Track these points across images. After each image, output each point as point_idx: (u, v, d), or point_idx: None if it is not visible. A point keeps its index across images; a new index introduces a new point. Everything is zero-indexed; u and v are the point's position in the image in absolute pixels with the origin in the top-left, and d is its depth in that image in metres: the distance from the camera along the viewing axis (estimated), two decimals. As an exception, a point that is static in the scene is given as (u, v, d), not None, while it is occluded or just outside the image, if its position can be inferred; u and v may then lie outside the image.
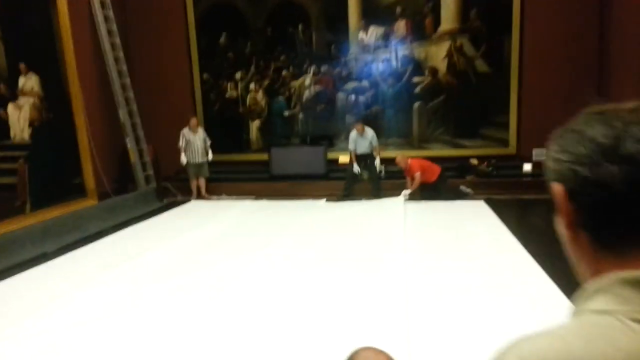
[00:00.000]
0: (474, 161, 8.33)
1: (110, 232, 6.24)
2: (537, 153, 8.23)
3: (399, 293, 3.67)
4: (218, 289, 4.00)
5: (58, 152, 7.08)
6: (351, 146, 7.70)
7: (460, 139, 8.70)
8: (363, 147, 7.70)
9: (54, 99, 7.05)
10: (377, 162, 7.75)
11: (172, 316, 3.52)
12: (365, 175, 8.34)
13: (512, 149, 8.50)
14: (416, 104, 8.75)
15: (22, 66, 6.58)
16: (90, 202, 7.36)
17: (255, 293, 3.87)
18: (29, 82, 6.72)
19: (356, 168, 7.67)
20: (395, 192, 7.74)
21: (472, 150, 8.58)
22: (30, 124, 6.65)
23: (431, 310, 3.38)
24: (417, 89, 8.72)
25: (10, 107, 6.39)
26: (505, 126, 8.49)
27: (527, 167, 8.10)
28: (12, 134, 6.37)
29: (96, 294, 4.01)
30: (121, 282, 4.26)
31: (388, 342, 2.80)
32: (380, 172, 8.40)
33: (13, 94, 6.42)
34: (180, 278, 4.32)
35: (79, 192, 7.36)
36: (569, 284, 3.74)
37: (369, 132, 7.70)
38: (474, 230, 5.56)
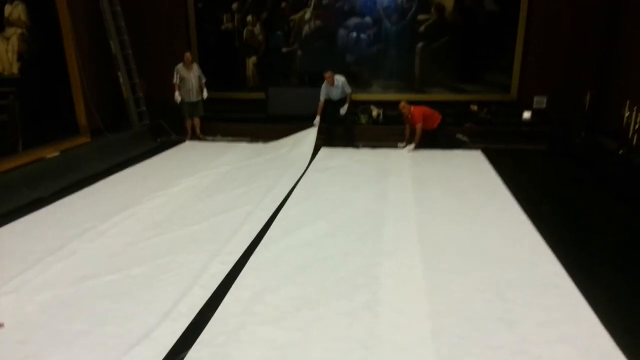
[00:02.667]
0: (474, 107, 8.20)
1: (106, 175, 6.18)
2: (538, 100, 8.12)
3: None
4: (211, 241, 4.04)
5: (49, 87, 6.84)
6: (322, 97, 7.70)
7: (461, 84, 8.49)
8: (335, 96, 7.75)
9: (42, 30, 6.70)
10: (344, 107, 7.74)
11: (170, 268, 3.59)
12: (364, 119, 8.25)
13: (513, 95, 8.33)
14: (419, 44, 8.44)
15: (7, -7, 6.18)
16: (83, 140, 7.23)
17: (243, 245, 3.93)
18: (15, 10, 6.33)
19: (317, 120, 7.70)
20: (393, 138, 7.70)
21: (472, 96, 8.41)
22: (19, 57, 6.36)
23: (417, 271, 3.45)
24: (422, 28, 8.37)
25: (-3, 39, 6.08)
26: (509, 71, 8.27)
27: (527, 114, 8.01)
28: (0, 68, 6.10)
29: (95, 245, 4.04)
30: (119, 233, 4.28)
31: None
32: (379, 116, 8.30)
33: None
34: (177, 229, 4.35)
35: (72, 129, 7.20)
36: (558, 242, 3.85)
37: (340, 80, 7.68)
38: (468, 185, 5.57)
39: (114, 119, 8.25)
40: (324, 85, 7.63)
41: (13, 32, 6.28)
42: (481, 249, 3.87)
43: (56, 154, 6.44)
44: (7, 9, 6.19)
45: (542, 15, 7.83)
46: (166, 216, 4.71)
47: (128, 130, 7.94)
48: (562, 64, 7.90)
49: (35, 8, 6.56)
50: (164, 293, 3.27)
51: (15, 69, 6.29)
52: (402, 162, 6.58)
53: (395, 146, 7.50)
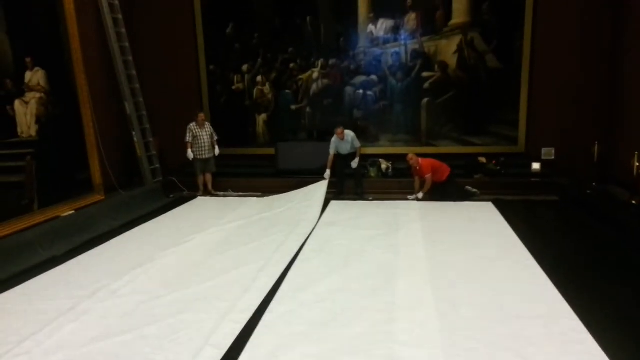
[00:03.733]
0: (482, 159, 8.27)
1: (120, 232, 6.24)
2: (546, 152, 8.19)
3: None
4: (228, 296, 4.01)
5: (65, 148, 7.04)
6: (331, 150, 7.81)
7: (468, 136, 8.62)
8: (345, 150, 7.86)
9: (60, 94, 6.97)
10: (355, 161, 7.84)
11: (182, 327, 3.55)
12: (374, 172, 8.33)
13: (521, 147, 8.43)
14: (425, 100, 8.65)
15: (28, 60, 6.48)
16: (98, 197, 7.35)
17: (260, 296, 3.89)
18: (35, 76, 6.62)
19: (327, 174, 7.78)
20: (403, 191, 7.74)
21: (480, 148, 8.52)
22: (37, 120, 6.58)
23: (432, 319, 3.38)
24: (426, 84, 8.61)
25: (17, 103, 6.31)
26: (515, 124, 8.41)
27: (536, 166, 8.06)
28: (19, 130, 6.31)
29: (107, 305, 4.02)
30: (131, 292, 4.27)
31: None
32: (388, 169, 8.39)
33: (19, 89, 6.33)
34: (189, 287, 4.33)
35: (86, 187, 7.33)
36: (576, 296, 3.76)
37: (349, 135, 7.81)
38: (481, 237, 5.54)
39: (128, 177, 8.41)
40: (334, 139, 7.77)
41: (32, 97, 6.53)
42: (498, 305, 3.80)
43: (71, 212, 6.54)
44: (28, 75, 6.48)
45: (546, 68, 8.05)
46: (178, 273, 4.70)
47: (141, 187, 8.07)
48: (569, 116, 8.04)
49: (55, 74, 6.86)
50: (175, 355, 3.22)
51: (33, 131, 6.50)
52: (412, 214, 6.58)
53: (405, 199, 7.52)
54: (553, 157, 8.14)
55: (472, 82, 8.44)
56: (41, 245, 5.40)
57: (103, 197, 7.41)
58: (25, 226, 5.80)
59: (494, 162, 8.21)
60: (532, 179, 7.92)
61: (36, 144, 6.49)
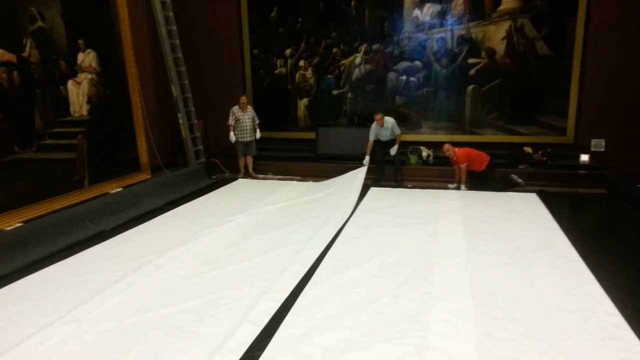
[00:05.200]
0: (528, 149, 8.04)
1: (164, 210, 6.46)
2: (596, 143, 7.87)
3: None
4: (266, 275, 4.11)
5: (114, 127, 7.32)
6: (371, 137, 7.77)
7: (514, 125, 8.39)
8: (385, 137, 7.80)
9: (110, 75, 7.23)
10: (394, 148, 7.75)
11: (221, 304, 3.68)
12: (414, 160, 8.25)
13: (569, 137, 8.14)
14: (470, 87, 8.46)
15: (80, 42, 6.74)
16: (144, 177, 7.62)
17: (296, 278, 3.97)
18: (87, 58, 6.88)
19: (366, 160, 7.77)
20: (443, 179, 7.65)
21: (526, 138, 8.28)
22: (88, 100, 6.86)
23: (469, 313, 3.36)
24: (472, 71, 8.41)
25: (70, 84, 6.59)
26: (564, 114, 8.11)
27: (585, 157, 7.77)
28: (71, 110, 6.59)
29: (151, 279, 4.20)
30: (174, 268, 4.44)
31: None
32: (429, 156, 8.28)
33: (72, 70, 6.61)
34: (229, 265, 4.46)
35: (134, 166, 7.61)
36: (618, 292, 3.65)
37: (390, 122, 7.73)
38: (523, 228, 5.41)
39: (173, 157, 8.66)
40: (373, 126, 7.74)
41: (84, 78, 6.81)
42: (536, 296, 3.73)
43: (119, 189, 6.82)
44: (80, 56, 6.75)
45: (599, 56, 7.69)
46: (219, 252, 4.85)
47: (185, 168, 8.30)
48: (622, 106, 7.68)
49: (105, 55, 7.12)
50: (215, 328, 3.34)
51: (84, 111, 6.78)
52: (452, 203, 6.49)
53: (445, 187, 7.43)
54: (603, 149, 7.81)
55: (521, 70, 8.18)
56: (91, 219, 5.66)
57: (149, 176, 7.68)
58: (76, 201, 6.11)
59: (540, 152, 7.97)
60: (580, 171, 7.65)
61: (87, 123, 6.78)
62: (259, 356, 3.01)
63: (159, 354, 3.05)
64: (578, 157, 7.79)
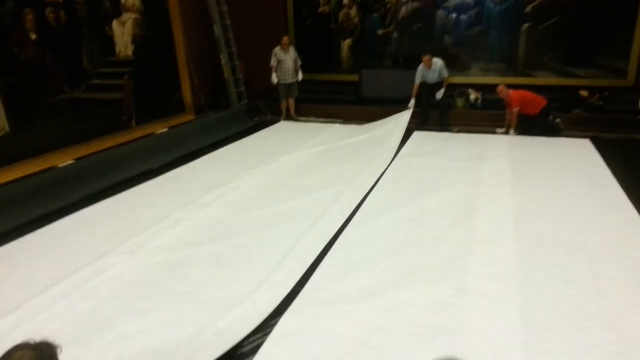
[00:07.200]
0: (584, 93, 7.60)
1: (208, 150, 6.59)
2: (659, 87, 7.35)
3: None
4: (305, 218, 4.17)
5: (158, 68, 7.37)
6: (417, 79, 7.50)
7: (571, 67, 7.89)
8: (431, 79, 7.51)
9: (153, 15, 7.20)
10: (441, 91, 7.47)
11: (266, 240, 3.78)
12: (461, 103, 7.98)
13: (629, 80, 7.59)
14: (525, 25, 7.94)
15: (124, -19, 6.70)
16: (188, 117, 7.73)
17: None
18: (130, -3, 6.86)
19: (411, 103, 7.53)
20: (491, 124, 7.38)
21: (583, 81, 7.79)
22: (133, 40, 6.89)
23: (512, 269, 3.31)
24: (528, 8, 7.86)
25: (115, 24, 6.62)
26: (626, 55, 7.54)
27: (645, 102, 7.28)
28: (117, 50, 6.66)
29: (199, 216, 4.35)
30: (220, 206, 4.57)
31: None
32: (477, 99, 7.98)
33: (117, 10, 6.61)
34: (272, 205, 4.55)
35: (178, 107, 7.72)
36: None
37: (438, 63, 7.42)
38: (573, 174, 5.21)
39: (215, 99, 8.71)
40: (420, 67, 7.46)
41: (128, 17, 6.81)
42: (582, 245, 3.63)
43: (164, 129, 6.96)
44: (124, -5, 6.73)
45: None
46: (263, 192, 4.94)
47: (227, 109, 8.35)
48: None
49: (148, -5, 7.07)
50: (262, 264, 3.45)
51: (129, 51, 6.83)
52: (500, 148, 6.29)
53: (493, 132, 7.18)
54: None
55: (581, 7, 7.58)
56: (139, 158, 5.84)
57: (193, 117, 7.79)
58: (124, 140, 6.29)
59: (596, 96, 7.51)
60: (638, 117, 7.19)
61: (132, 63, 6.85)
62: (299, 291, 3.10)
63: (209, 285, 3.20)
64: (637, 102, 7.30)
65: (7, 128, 5.02)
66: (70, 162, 5.44)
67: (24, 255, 3.72)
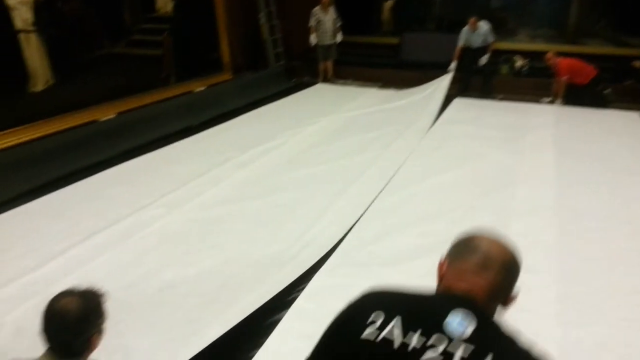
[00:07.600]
0: (637, 64, 7.18)
1: (245, 110, 6.59)
2: None
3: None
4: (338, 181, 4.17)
5: (197, 26, 7.35)
6: (460, 42, 7.21)
7: (625, 36, 7.46)
8: (476, 43, 7.19)
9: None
10: (485, 57, 7.17)
11: (302, 201, 3.81)
12: (505, 70, 7.69)
13: (690, 51, 7.15)
14: (578, -11, 7.53)
15: None
16: (226, 77, 7.73)
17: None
18: (171, -48, 6.81)
19: (452, 66, 7.26)
20: (537, 92, 7.10)
21: (637, 50, 7.36)
22: (173, -3, 6.88)
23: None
24: (582, -30, 7.44)
25: (156, -21, 6.61)
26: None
27: None
28: (157, 6, 6.67)
29: (236, 174, 4.41)
30: (258, 166, 4.62)
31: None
32: (523, 67, 7.67)
33: (158, -35, 6.59)
34: (309, 167, 4.56)
35: (216, 66, 7.71)
36: None
37: (484, 27, 7.09)
38: (619, 148, 4.99)
39: (253, 58, 8.65)
40: (464, 30, 7.17)
41: (169, -27, 6.78)
42: (627, 219, 3.51)
43: (202, 88, 7.00)
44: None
45: None
46: (299, 153, 4.95)
47: (265, 69, 8.30)
48: None
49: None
50: (301, 221, 3.50)
51: (169, 7, 6.82)
52: (545, 118, 6.06)
53: (538, 101, 6.91)
54: None
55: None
56: (177, 116, 5.91)
57: (231, 77, 7.78)
58: (163, 97, 6.35)
59: (651, 67, 7.10)
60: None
61: (172, 21, 6.85)
62: (332, 252, 3.12)
63: (249, 242, 3.28)
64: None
65: (51, 81, 5.14)
66: (111, 116, 5.55)
67: (66, 205, 3.85)
